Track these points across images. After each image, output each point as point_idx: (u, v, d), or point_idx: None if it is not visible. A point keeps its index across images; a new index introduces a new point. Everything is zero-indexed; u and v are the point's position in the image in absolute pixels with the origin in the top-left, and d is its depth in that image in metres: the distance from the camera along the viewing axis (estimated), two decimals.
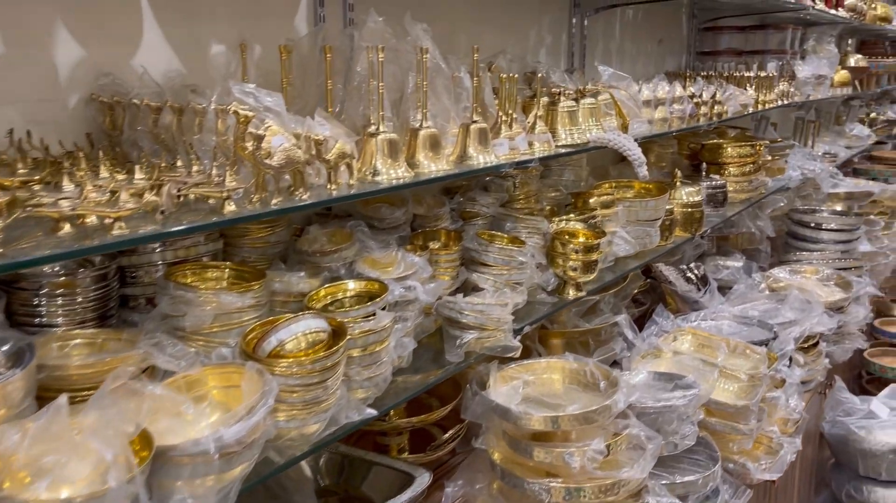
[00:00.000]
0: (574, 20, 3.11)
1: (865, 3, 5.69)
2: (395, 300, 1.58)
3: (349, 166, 1.44)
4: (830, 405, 3.65)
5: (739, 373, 2.60)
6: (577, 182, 2.71)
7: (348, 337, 1.37)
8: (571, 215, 2.34)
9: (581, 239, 2.22)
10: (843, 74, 5.20)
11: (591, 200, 2.45)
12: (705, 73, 3.73)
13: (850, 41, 7.73)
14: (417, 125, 1.69)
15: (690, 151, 3.72)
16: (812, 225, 4.39)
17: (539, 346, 2.49)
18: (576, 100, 2.31)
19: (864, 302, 3.92)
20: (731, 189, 3.60)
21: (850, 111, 6.75)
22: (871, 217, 4.88)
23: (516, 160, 1.88)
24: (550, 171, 2.67)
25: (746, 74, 3.70)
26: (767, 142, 3.70)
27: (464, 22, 2.57)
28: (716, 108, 3.11)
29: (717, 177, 3.47)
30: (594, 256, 2.18)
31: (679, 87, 2.77)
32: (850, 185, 4.82)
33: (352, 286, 1.56)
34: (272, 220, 1.65)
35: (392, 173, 1.57)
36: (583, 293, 2.24)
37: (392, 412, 2.00)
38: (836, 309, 3.59)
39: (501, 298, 1.80)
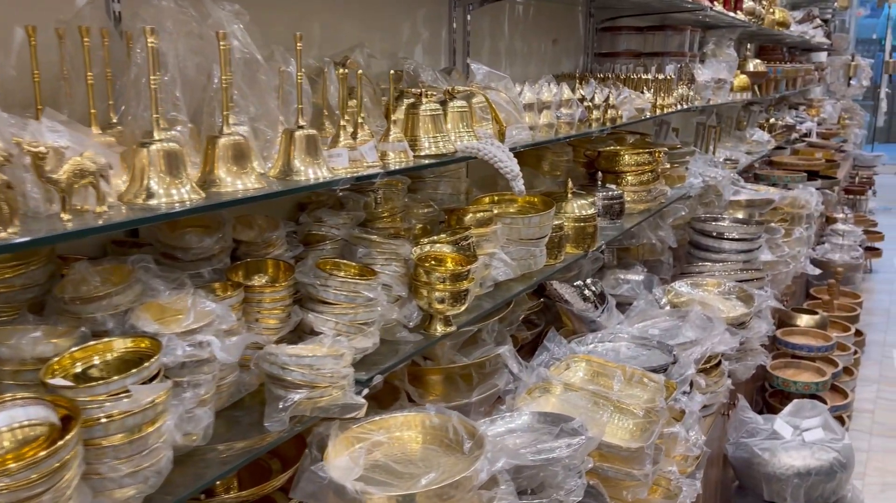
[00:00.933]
0: (454, 14, 2.79)
1: (764, 8, 5.64)
2: (182, 361, 1.20)
3: (95, 187, 1.06)
4: (734, 426, 3.47)
5: (635, 407, 2.33)
6: (455, 196, 2.38)
7: (84, 423, 0.99)
8: (443, 236, 2.01)
9: (449, 265, 1.90)
10: (743, 79, 5.11)
11: (467, 218, 2.13)
12: (602, 76, 3.50)
13: (749, 46, 7.79)
14: (217, 132, 1.32)
15: (587, 159, 3.47)
16: (714, 234, 4.23)
17: (410, 387, 2.15)
18: (443, 102, 1.98)
19: (767, 315, 3.77)
20: (628, 199, 3.37)
21: (750, 116, 6.75)
22: (772, 224, 4.79)
23: (358, 174, 1.53)
24: (424, 183, 2.33)
25: (644, 77, 3.48)
26: (666, 148, 3.49)
27: (319, 11, 2.20)
28: (609, 112, 2.85)
29: (613, 187, 3.23)
30: (464, 285, 1.85)
31: (567, 89, 2.50)
32: (750, 192, 4.71)
33: (117, 345, 1.18)
34: (16, 256, 1.24)
35: (174, 195, 1.19)
36: (453, 327, 1.91)
37: (219, 483, 1.62)
38: (738, 324, 3.41)
39: (337, 348, 1.45)
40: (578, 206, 2.74)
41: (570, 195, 2.76)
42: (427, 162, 1.80)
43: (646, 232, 3.85)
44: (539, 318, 3.22)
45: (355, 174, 1.52)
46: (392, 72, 1.75)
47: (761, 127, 6.80)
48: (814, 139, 9.63)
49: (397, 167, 1.67)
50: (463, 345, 2.36)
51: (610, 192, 3.18)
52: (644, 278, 3.84)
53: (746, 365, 3.46)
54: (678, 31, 4.10)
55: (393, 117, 1.77)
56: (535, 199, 2.45)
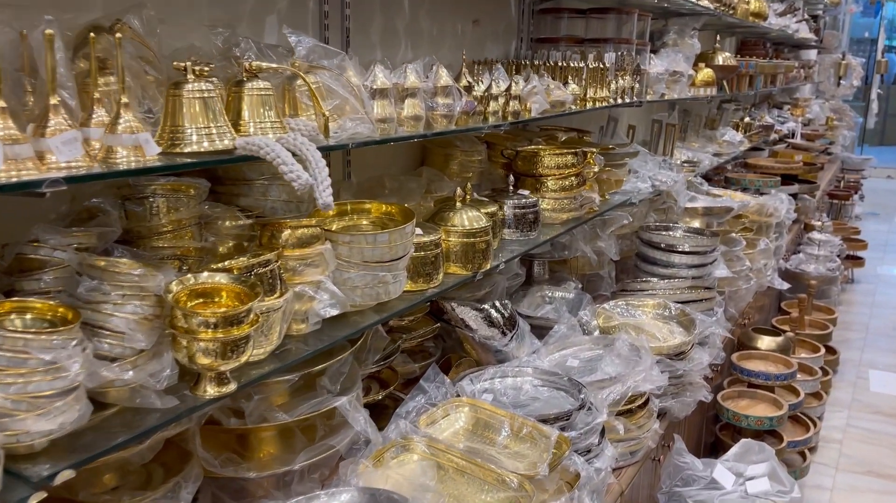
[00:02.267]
0: None
1: None
2: None
3: None
4: (668, 471, 2.99)
5: (509, 475, 1.85)
6: (291, 204, 1.89)
7: None
8: (236, 260, 1.53)
9: (224, 302, 1.41)
10: (707, 73, 4.62)
11: (283, 235, 1.65)
12: (534, 63, 3.00)
13: (728, 40, 7.30)
14: None
15: (506, 160, 2.98)
16: (662, 246, 3.76)
17: (205, 453, 1.66)
18: (239, 83, 1.49)
19: (716, 341, 3.30)
20: (548, 207, 2.89)
21: (723, 115, 6.27)
22: (733, 235, 4.31)
23: (18, 181, 1.05)
24: (249, 188, 1.84)
25: (576, 66, 2.99)
26: (595, 150, 3.00)
27: None
28: (511, 104, 2.36)
29: (525, 193, 2.74)
30: (243, 330, 1.37)
31: (446, 75, 2.00)
32: (707, 199, 4.22)
33: None
34: None
35: None
36: (230, 387, 1.43)
37: None
38: (677, 354, 2.94)
39: None
40: (469, 218, 2.26)
41: (458, 204, 2.27)
42: (180, 162, 1.31)
43: (578, 243, 3.37)
44: (436, 346, 2.74)
45: (13, 180, 1.03)
46: (92, 35, 1.25)
47: (735, 126, 6.32)
48: (797, 140, 9.15)
49: (112, 170, 1.18)
50: (298, 393, 1.88)
51: (521, 200, 2.69)
52: (574, 296, 3.36)
53: (684, 401, 2.98)
54: (625, 14, 3.61)
55: (117, 101, 1.27)
56: (394, 210, 1.96)
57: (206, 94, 1.37)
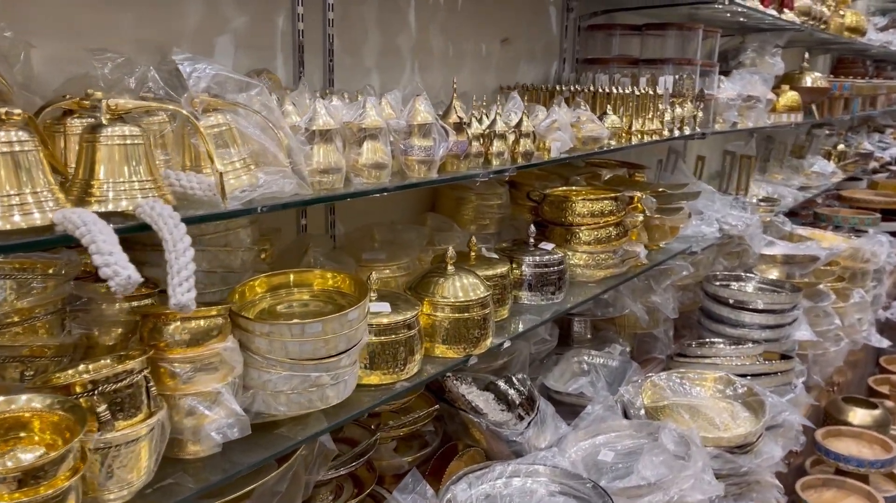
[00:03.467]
0: None
1: (828, 8, 4.50)
2: None
3: None
4: None
5: None
6: (211, 275, 1.47)
7: None
8: (84, 368, 1.12)
9: (37, 439, 1.00)
10: (791, 97, 3.99)
11: (172, 327, 1.23)
12: (572, 89, 2.52)
13: (820, 59, 6.56)
14: None
15: (533, 204, 2.50)
16: (731, 302, 3.18)
17: None
18: (94, 128, 1.09)
19: (793, 426, 2.69)
20: (580, 263, 2.38)
21: (812, 142, 5.56)
22: (820, 287, 3.66)
23: None
24: (160, 254, 1.43)
25: (618, 92, 2.49)
26: (641, 194, 2.48)
27: None
28: (523, 143, 1.89)
29: (548, 247, 2.25)
30: (55, 485, 0.95)
31: (424, 109, 1.55)
32: (788, 246, 3.60)
33: None
34: None
35: None
36: None
37: None
38: (739, 447, 2.37)
39: None
40: (463, 287, 1.79)
41: (449, 268, 1.81)
42: None
43: (624, 300, 2.84)
44: (436, 432, 2.27)
45: None
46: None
47: (827, 155, 5.61)
48: None
49: None
50: None
51: (543, 256, 2.20)
52: (619, 364, 2.83)
53: None
54: (688, 31, 3.07)
55: None
56: (345, 284, 1.52)
57: (14, 148, 0.97)
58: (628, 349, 2.99)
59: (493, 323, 1.87)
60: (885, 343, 4.22)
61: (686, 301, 3.47)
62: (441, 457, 2.17)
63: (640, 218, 2.45)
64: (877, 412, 3.57)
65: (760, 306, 3.13)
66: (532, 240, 2.26)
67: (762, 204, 3.77)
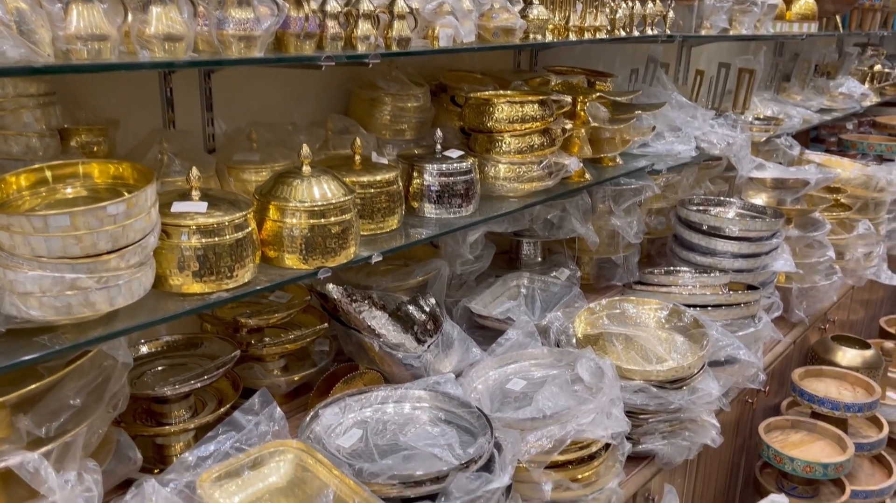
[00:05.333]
0: None
1: None
2: None
3: None
4: None
5: None
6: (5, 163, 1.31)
7: None
8: None
9: None
10: (807, 3, 3.56)
11: None
12: None
13: None
14: None
15: (458, 109, 2.26)
16: (704, 228, 2.90)
17: None
18: None
19: (751, 367, 2.45)
20: (502, 175, 2.15)
21: (844, 61, 5.06)
22: (816, 215, 3.33)
23: None
24: None
25: None
26: (584, 98, 2.21)
27: None
28: (397, 28, 1.64)
29: (454, 154, 2.02)
30: None
31: None
32: (779, 169, 3.26)
33: None
34: None
35: None
36: None
37: None
38: (671, 382, 2.16)
39: None
40: (321, 191, 1.60)
41: (305, 169, 1.61)
42: None
43: (570, 220, 2.59)
44: (330, 352, 2.12)
45: None
46: None
47: (862, 76, 5.10)
48: None
49: None
50: None
51: (448, 164, 1.98)
52: (560, 289, 2.62)
53: (679, 446, 2.20)
54: None
55: None
56: (129, 173, 1.33)
57: None
58: (579, 274, 2.77)
59: (358, 233, 1.68)
60: (895, 280, 3.87)
61: (661, 228, 3.20)
62: (329, 379, 2.03)
63: (570, 125, 2.18)
64: (868, 353, 3.28)
65: (736, 233, 2.84)
66: (439, 146, 2.03)
67: (756, 122, 3.41)
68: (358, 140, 1.83)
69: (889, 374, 3.61)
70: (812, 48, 4.83)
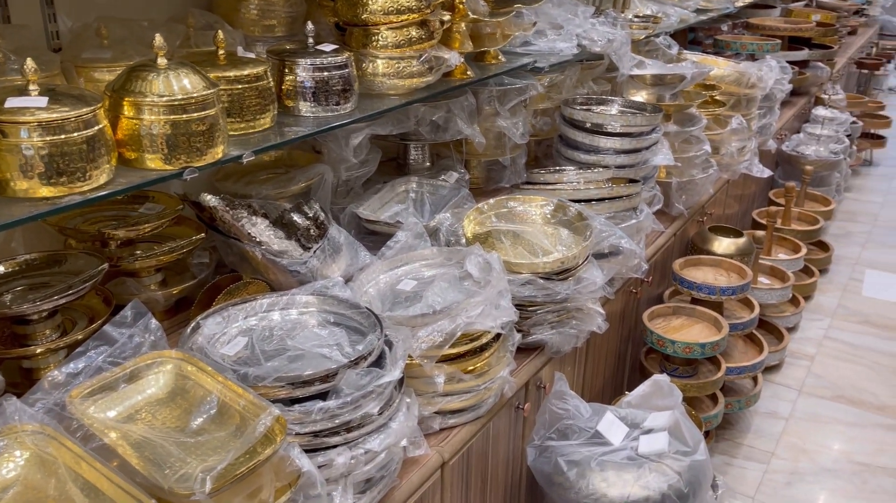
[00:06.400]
0: None
1: None
2: None
3: None
4: (543, 419, 2.33)
5: (143, 496, 1.19)
6: None
7: None
8: None
9: None
10: None
11: None
12: None
13: None
14: None
15: (331, 2, 2.14)
16: (587, 125, 2.93)
17: None
18: None
19: (634, 257, 2.54)
20: (381, 71, 2.07)
21: None
22: (693, 111, 3.44)
23: None
24: None
25: None
26: None
27: None
28: None
29: (328, 48, 1.92)
30: None
31: None
32: (658, 65, 3.32)
33: None
34: None
35: None
36: None
37: None
38: (557, 273, 2.21)
39: None
40: (180, 85, 1.48)
41: (161, 61, 1.49)
42: None
43: (456, 121, 2.56)
44: (210, 263, 2.03)
45: None
46: None
47: None
48: None
49: None
50: None
51: (322, 59, 1.88)
52: (449, 192, 2.60)
53: (567, 334, 2.28)
54: None
55: None
56: None
57: None
58: (467, 177, 2.75)
59: (225, 131, 1.58)
60: (766, 173, 4.09)
61: (547, 128, 3.22)
62: (210, 291, 1.95)
63: (448, 17, 2.11)
64: (741, 241, 3.48)
65: (618, 129, 2.89)
66: (311, 40, 1.93)
67: (636, 20, 3.44)
68: (220, 33, 1.70)
69: (760, 261, 3.86)
70: None
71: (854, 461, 3.22)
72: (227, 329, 1.74)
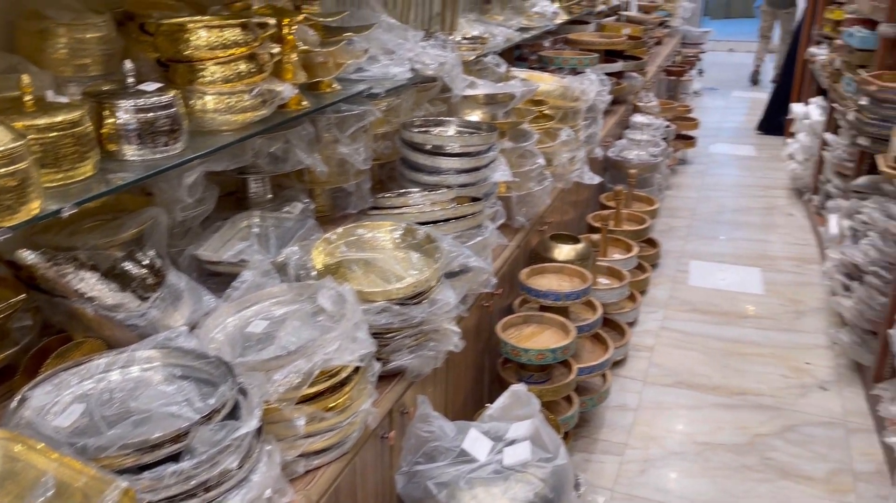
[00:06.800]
0: None
1: None
2: None
3: None
4: (409, 444, 2.33)
5: None
6: None
7: None
8: None
9: None
10: None
11: None
12: None
13: None
14: None
15: (151, 38, 2.03)
16: (428, 147, 2.97)
17: None
18: None
19: (483, 273, 2.60)
20: (211, 107, 1.99)
21: None
22: (524, 126, 3.59)
23: None
24: None
25: None
26: (289, 21, 2.10)
27: None
28: None
29: (151, 87, 1.82)
30: None
31: None
32: (489, 85, 3.44)
33: None
34: None
35: None
36: None
37: None
38: (412, 297, 2.22)
39: None
40: None
41: None
42: None
43: (295, 152, 2.51)
44: (34, 326, 1.86)
45: None
46: None
47: None
48: (631, 13, 8.55)
49: None
50: None
51: (147, 99, 1.78)
52: (294, 223, 2.55)
53: (425, 356, 2.29)
54: None
55: None
56: None
57: None
58: (312, 206, 2.71)
59: (39, 184, 1.45)
60: (596, 180, 4.35)
61: (388, 152, 3.23)
62: (37, 356, 1.78)
63: (277, 49, 2.08)
64: (579, 246, 3.67)
65: (457, 149, 2.96)
66: (131, 79, 1.82)
67: (464, 42, 3.56)
68: (25, 77, 1.56)
69: (598, 263, 4.09)
70: None
71: (697, 442, 3.49)
72: (60, 397, 1.60)
